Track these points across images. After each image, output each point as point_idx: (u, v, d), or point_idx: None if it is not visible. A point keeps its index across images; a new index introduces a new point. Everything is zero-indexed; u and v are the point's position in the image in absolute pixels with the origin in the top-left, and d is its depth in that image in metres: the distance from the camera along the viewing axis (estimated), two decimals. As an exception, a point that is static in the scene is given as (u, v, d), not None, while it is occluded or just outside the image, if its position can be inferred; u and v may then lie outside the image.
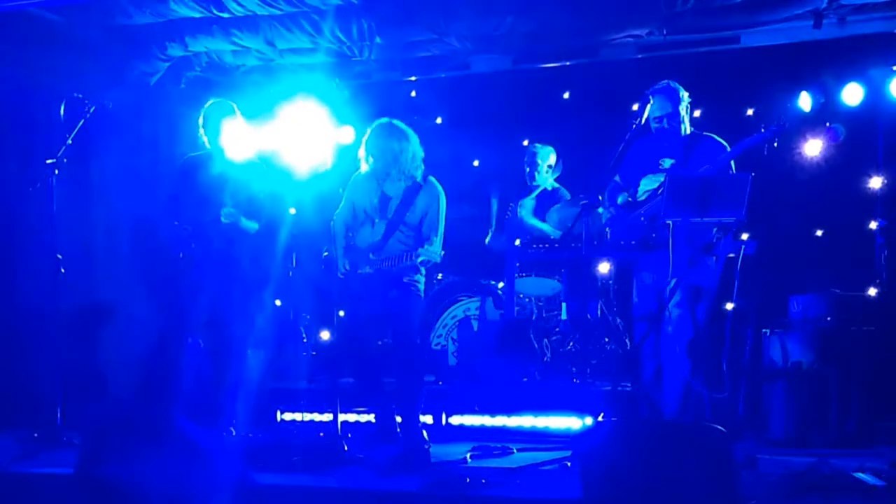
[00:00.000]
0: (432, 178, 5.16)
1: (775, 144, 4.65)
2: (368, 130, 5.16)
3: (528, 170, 6.77)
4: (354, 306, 5.17)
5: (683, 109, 4.97)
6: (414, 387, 5.14)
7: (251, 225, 5.43)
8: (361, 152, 5.16)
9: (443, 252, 5.00)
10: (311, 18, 6.01)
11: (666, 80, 4.99)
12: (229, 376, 5.55)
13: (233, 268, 5.47)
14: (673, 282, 4.80)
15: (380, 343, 5.94)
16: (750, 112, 4.88)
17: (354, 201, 5.24)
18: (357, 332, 5.19)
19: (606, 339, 6.47)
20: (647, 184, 5.01)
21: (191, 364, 6.04)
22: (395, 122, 5.16)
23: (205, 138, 5.45)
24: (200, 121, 5.44)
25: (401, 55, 6.67)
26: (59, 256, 4.96)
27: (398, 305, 5.10)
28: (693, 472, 3.12)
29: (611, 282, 6.61)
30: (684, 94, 4.97)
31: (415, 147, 5.12)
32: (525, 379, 6.14)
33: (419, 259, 4.88)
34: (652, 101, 4.90)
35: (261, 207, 5.44)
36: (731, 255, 4.52)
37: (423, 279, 5.21)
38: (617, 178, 5.16)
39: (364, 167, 5.20)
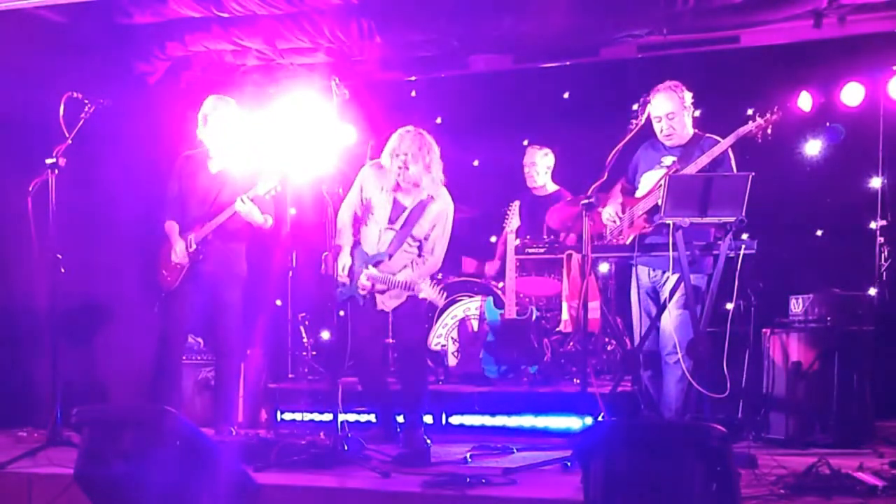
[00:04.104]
0: (444, 190, 5.14)
1: (769, 131, 4.64)
2: (404, 133, 5.05)
3: (526, 171, 6.78)
4: (357, 306, 5.16)
5: (685, 109, 4.97)
6: (418, 387, 5.13)
7: (266, 218, 5.41)
8: (392, 153, 5.04)
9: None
10: (311, 18, 6.01)
11: (669, 80, 4.98)
12: (229, 376, 5.55)
13: (233, 266, 5.46)
14: (673, 281, 4.80)
15: (384, 342, 5.95)
16: (750, 112, 4.88)
17: (366, 195, 5.18)
18: (360, 332, 5.18)
19: (606, 339, 6.47)
20: (647, 180, 5.02)
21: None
22: (425, 133, 5.10)
23: (205, 135, 5.45)
24: (200, 117, 5.43)
25: (401, 55, 6.67)
26: (59, 256, 4.96)
27: (403, 305, 5.09)
28: (693, 472, 3.11)
29: (611, 282, 6.63)
30: (686, 94, 4.97)
31: (439, 160, 5.09)
32: (525, 379, 6.14)
33: (420, 295, 4.94)
34: (653, 101, 4.90)
35: (270, 204, 5.43)
36: (731, 254, 4.52)
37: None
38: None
39: (384, 163, 5.10)
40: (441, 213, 5.10)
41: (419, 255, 5.13)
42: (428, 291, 4.94)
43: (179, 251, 5.36)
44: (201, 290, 5.42)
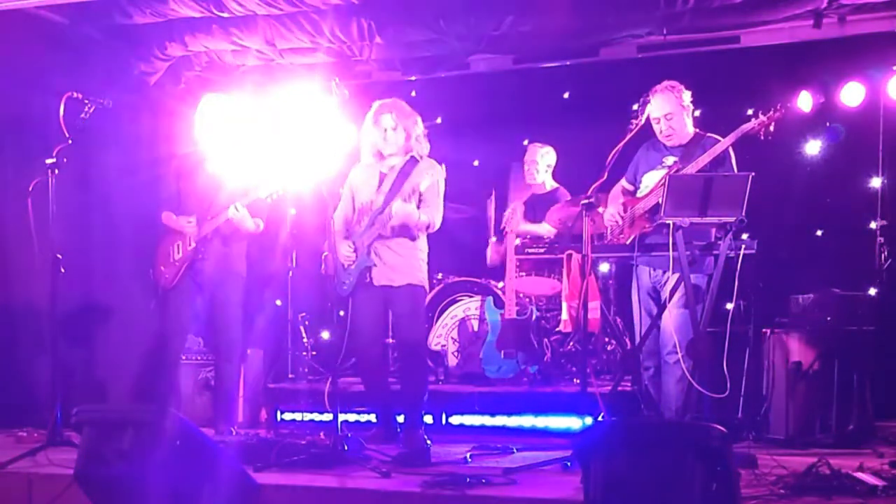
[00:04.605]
0: (429, 158, 5.15)
1: (771, 128, 4.64)
2: (384, 101, 5.14)
3: (526, 168, 6.78)
4: (357, 305, 5.14)
5: (684, 110, 4.97)
6: (418, 387, 5.12)
7: (257, 223, 5.41)
8: (376, 118, 5.09)
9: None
10: (311, 18, 6.01)
11: (666, 81, 4.98)
12: (229, 376, 5.53)
13: (232, 266, 5.45)
14: (673, 281, 4.80)
15: (385, 342, 5.92)
16: (750, 112, 4.89)
17: (355, 193, 5.19)
18: (361, 331, 5.16)
19: (606, 339, 6.47)
20: (649, 180, 5.02)
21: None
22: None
23: (202, 134, 5.44)
24: (197, 115, 5.42)
25: (401, 55, 6.67)
26: (59, 256, 4.95)
27: (403, 301, 5.07)
28: (693, 472, 3.11)
29: (611, 282, 6.63)
30: (685, 95, 4.97)
31: (421, 127, 5.15)
32: (525, 379, 6.14)
33: (423, 184, 4.87)
34: (651, 102, 4.90)
35: (262, 207, 5.43)
36: (731, 254, 4.52)
37: (425, 268, 5.16)
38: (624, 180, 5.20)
39: (365, 141, 5.14)
40: (428, 173, 5.02)
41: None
42: (432, 173, 4.89)
43: (190, 225, 5.33)
44: (200, 289, 5.42)
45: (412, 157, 5.10)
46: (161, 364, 5.49)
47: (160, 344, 5.50)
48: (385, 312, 5.26)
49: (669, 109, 4.92)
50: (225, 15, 5.92)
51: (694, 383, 4.48)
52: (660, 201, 4.61)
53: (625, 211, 5.01)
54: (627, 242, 4.87)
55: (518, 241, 6.36)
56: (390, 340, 6.19)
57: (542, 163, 6.76)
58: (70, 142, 4.96)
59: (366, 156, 5.20)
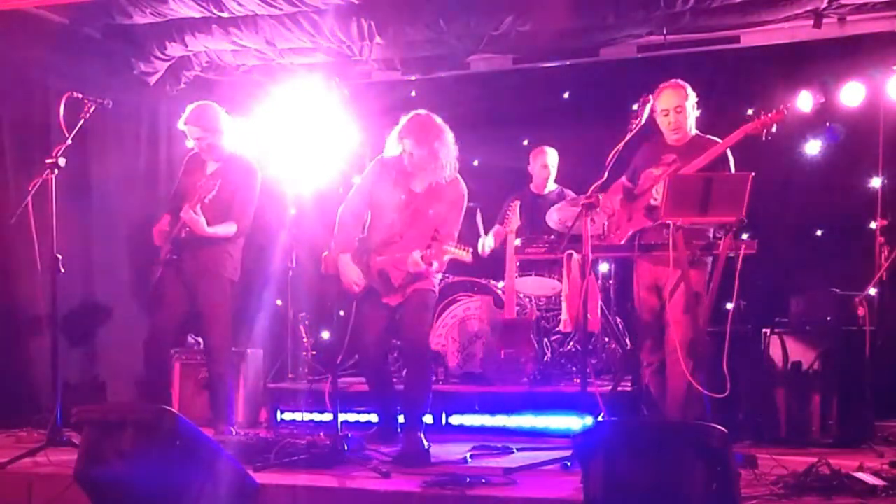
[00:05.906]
0: (458, 177, 5.02)
1: (773, 129, 4.64)
2: (412, 116, 4.94)
3: (545, 173, 6.75)
4: (365, 311, 5.07)
5: (690, 108, 4.97)
6: (423, 388, 5.08)
7: (216, 230, 5.25)
8: (398, 137, 4.92)
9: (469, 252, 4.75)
10: (311, 18, 6.01)
11: (675, 79, 5.00)
12: (219, 376, 5.49)
13: (214, 267, 5.36)
14: (673, 281, 4.80)
15: (391, 342, 5.86)
16: (750, 112, 4.89)
17: (374, 191, 5.03)
18: (366, 335, 5.10)
19: (606, 339, 6.47)
20: (647, 176, 5.01)
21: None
22: (437, 118, 4.99)
23: (192, 142, 5.40)
24: (181, 126, 5.37)
25: (401, 55, 6.68)
26: (59, 256, 4.95)
27: (412, 302, 4.99)
28: (693, 472, 3.12)
29: (611, 282, 6.63)
30: (691, 94, 4.97)
31: (452, 146, 4.98)
32: (525, 379, 6.14)
33: (445, 258, 4.69)
34: (661, 96, 4.89)
35: (238, 210, 5.33)
36: (731, 254, 4.52)
37: (437, 275, 5.10)
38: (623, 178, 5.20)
39: (394, 154, 4.98)
40: (455, 199, 4.95)
41: (434, 240, 4.87)
42: (453, 252, 4.66)
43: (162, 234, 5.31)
44: (184, 289, 5.33)
45: (437, 181, 4.94)
46: (146, 359, 5.40)
47: (146, 338, 5.44)
48: (393, 317, 5.17)
49: (679, 102, 4.92)
50: (225, 15, 5.92)
51: (694, 383, 4.48)
52: (654, 193, 4.61)
53: (622, 207, 5.02)
54: (623, 242, 4.87)
55: (518, 242, 6.36)
56: (396, 342, 6.15)
57: (553, 167, 6.77)
58: (70, 142, 4.95)
59: (392, 149, 5.02)
